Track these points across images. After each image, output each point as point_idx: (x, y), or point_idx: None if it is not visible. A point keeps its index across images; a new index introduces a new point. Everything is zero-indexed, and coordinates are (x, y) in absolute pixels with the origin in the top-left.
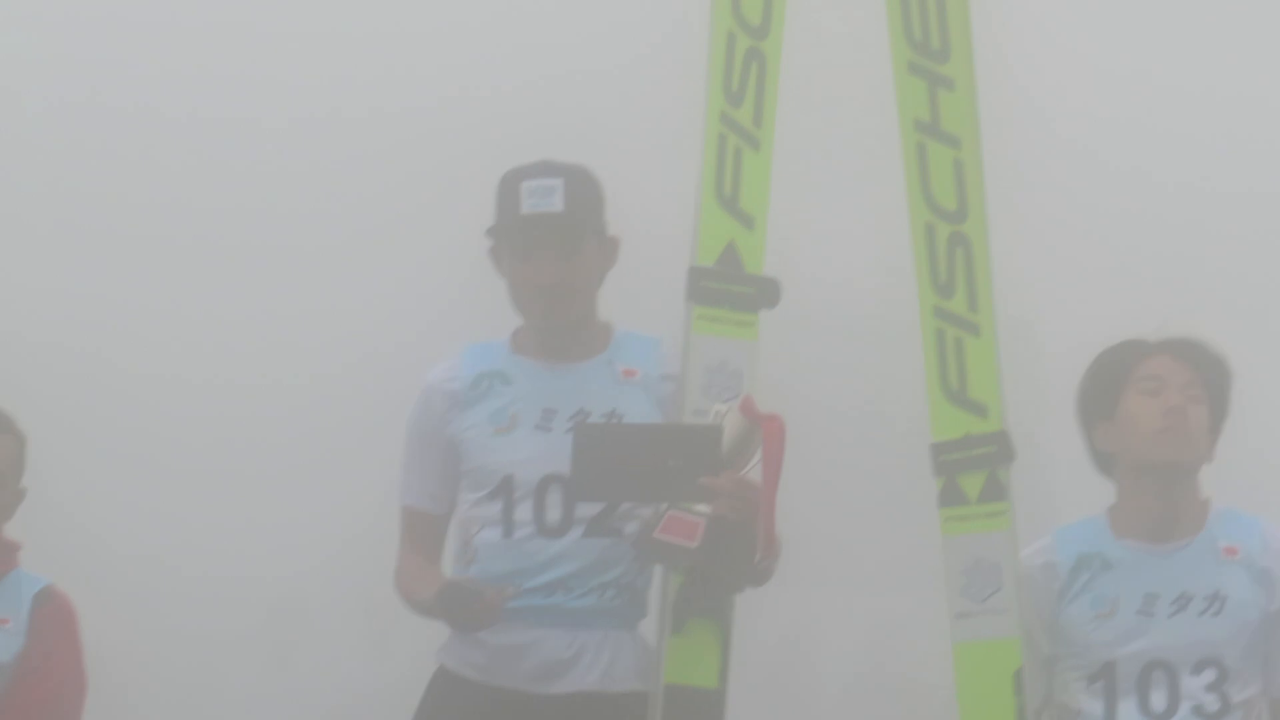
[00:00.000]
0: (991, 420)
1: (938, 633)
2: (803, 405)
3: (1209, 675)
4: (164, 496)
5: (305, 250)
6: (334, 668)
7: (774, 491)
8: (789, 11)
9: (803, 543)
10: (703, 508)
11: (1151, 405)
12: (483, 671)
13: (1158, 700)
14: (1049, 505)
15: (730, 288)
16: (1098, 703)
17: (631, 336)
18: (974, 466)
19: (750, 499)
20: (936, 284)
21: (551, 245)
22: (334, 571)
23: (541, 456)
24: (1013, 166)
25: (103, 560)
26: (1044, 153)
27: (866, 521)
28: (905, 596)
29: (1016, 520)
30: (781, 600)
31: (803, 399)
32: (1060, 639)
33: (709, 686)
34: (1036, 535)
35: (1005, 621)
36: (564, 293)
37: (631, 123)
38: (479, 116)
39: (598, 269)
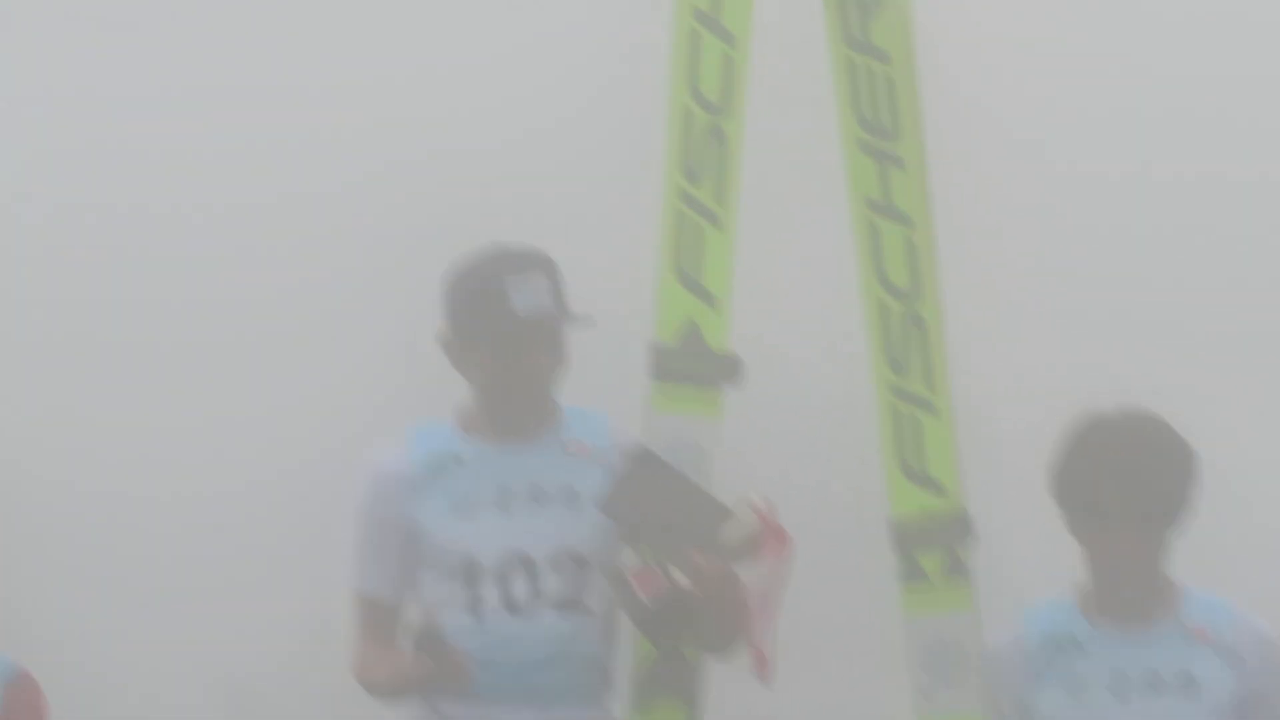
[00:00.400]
0: (950, 498)
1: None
2: (761, 482)
3: None
4: (120, 606)
5: (239, 346)
6: None
7: (766, 606)
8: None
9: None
10: (678, 574)
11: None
12: None
13: None
14: (1009, 584)
15: (692, 365)
16: None
17: (577, 411)
18: (933, 544)
19: (724, 591)
20: (891, 361)
21: (544, 344)
22: (297, 666)
23: (503, 536)
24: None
25: (67, 669)
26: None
27: (827, 601)
28: (870, 676)
29: (978, 598)
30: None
31: (760, 476)
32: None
33: None
34: (997, 613)
35: (968, 699)
36: (545, 385)
37: (584, 194)
38: (424, 188)
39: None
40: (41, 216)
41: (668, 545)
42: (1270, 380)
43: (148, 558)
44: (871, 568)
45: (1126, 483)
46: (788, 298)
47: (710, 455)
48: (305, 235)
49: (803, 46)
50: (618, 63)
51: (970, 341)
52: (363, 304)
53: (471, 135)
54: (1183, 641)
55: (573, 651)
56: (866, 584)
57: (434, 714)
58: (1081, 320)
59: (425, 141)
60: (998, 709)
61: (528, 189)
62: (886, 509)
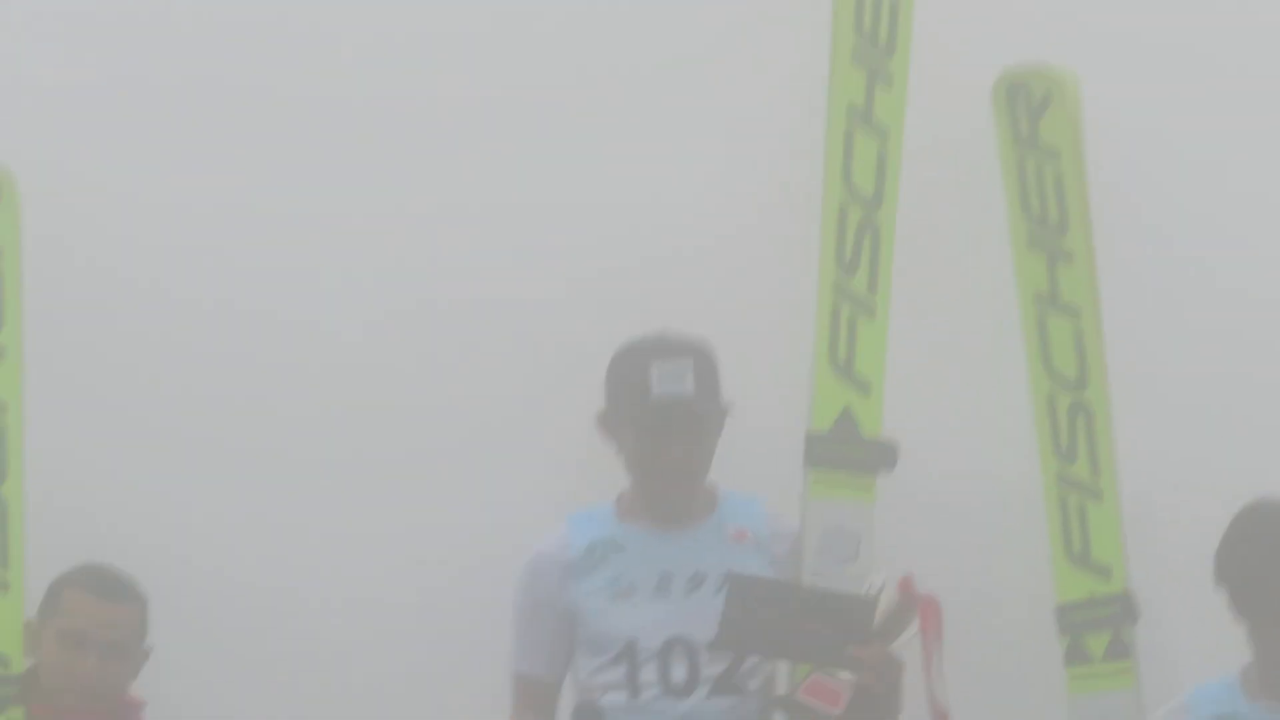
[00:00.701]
0: (1115, 581)
1: None
2: (927, 568)
3: None
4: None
5: (415, 456)
6: None
7: (936, 668)
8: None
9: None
10: (846, 675)
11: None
12: None
13: None
14: (1171, 667)
15: (846, 452)
16: None
17: (734, 497)
18: (1098, 626)
19: (894, 674)
20: (1058, 450)
21: (682, 428)
22: None
23: (663, 621)
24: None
25: None
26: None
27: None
28: None
29: (1140, 679)
30: None
31: (926, 563)
32: None
33: None
34: (1158, 697)
35: None
36: (691, 470)
37: (742, 292)
38: (588, 298)
39: (717, 444)
40: (206, 316)
41: (821, 650)
42: None
43: (315, 662)
44: (1037, 653)
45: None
46: (954, 386)
47: (865, 539)
48: (478, 342)
49: (968, 143)
50: (777, 161)
51: (1135, 430)
52: (537, 414)
53: (639, 242)
54: None
55: None
56: (1033, 669)
57: None
58: (1248, 419)
59: (596, 251)
60: None
61: (693, 288)
62: (1052, 595)
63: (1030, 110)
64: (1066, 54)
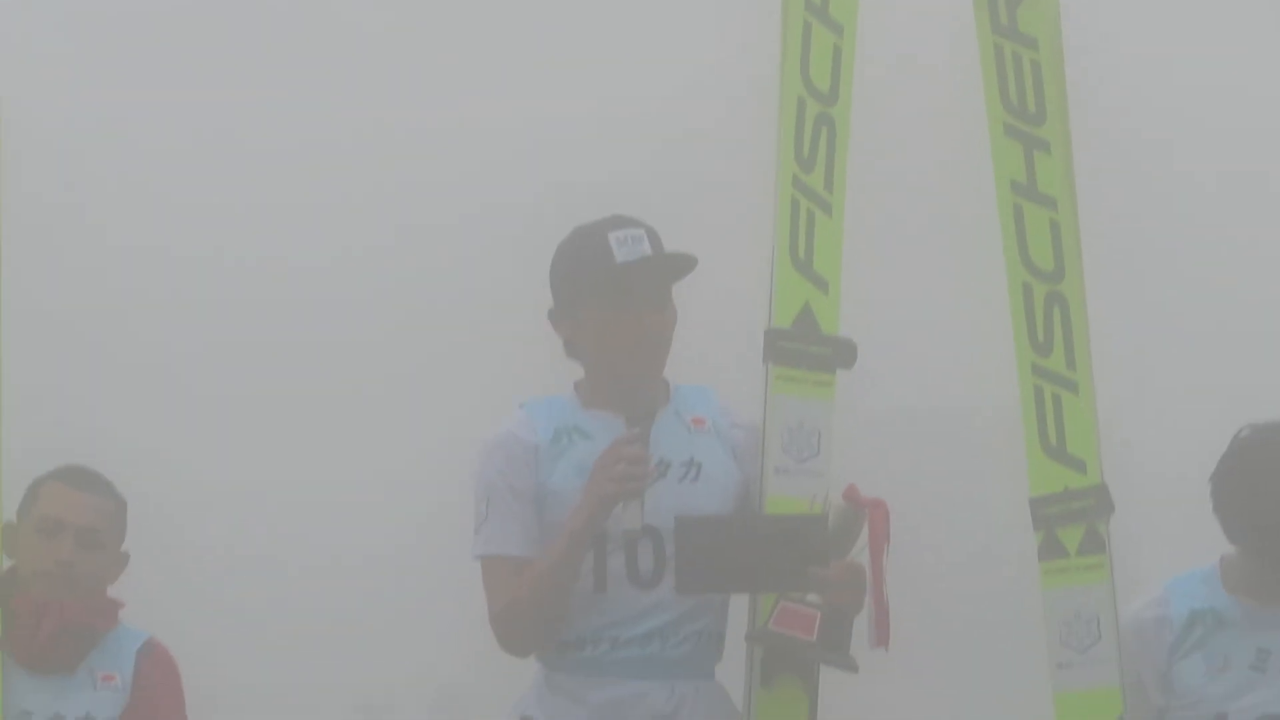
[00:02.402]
0: (1090, 474)
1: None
2: (884, 476)
3: None
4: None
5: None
6: None
7: (883, 576)
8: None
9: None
10: (814, 598)
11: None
12: None
13: None
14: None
15: (807, 348)
16: None
17: (686, 388)
18: (1073, 520)
19: (862, 586)
20: (1034, 342)
21: (648, 293)
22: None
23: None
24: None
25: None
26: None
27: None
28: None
29: (1114, 572)
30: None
31: (884, 466)
32: (1172, 691)
33: None
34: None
35: (1105, 671)
36: (661, 343)
37: (701, 188)
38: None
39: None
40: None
41: (782, 577)
42: None
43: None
44: (1013, 552)
45: None
46: (899, 284)
47: (825, 435)
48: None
49: (953, 34)
50: (729, 60)
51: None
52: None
53: (585, 131)
54: None
55: (696, 622)
56: (1005, 565)
57: (559, 692)
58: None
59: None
60: (1137, 681)
61: (644, 184)
62: (1015, 491)
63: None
64: None
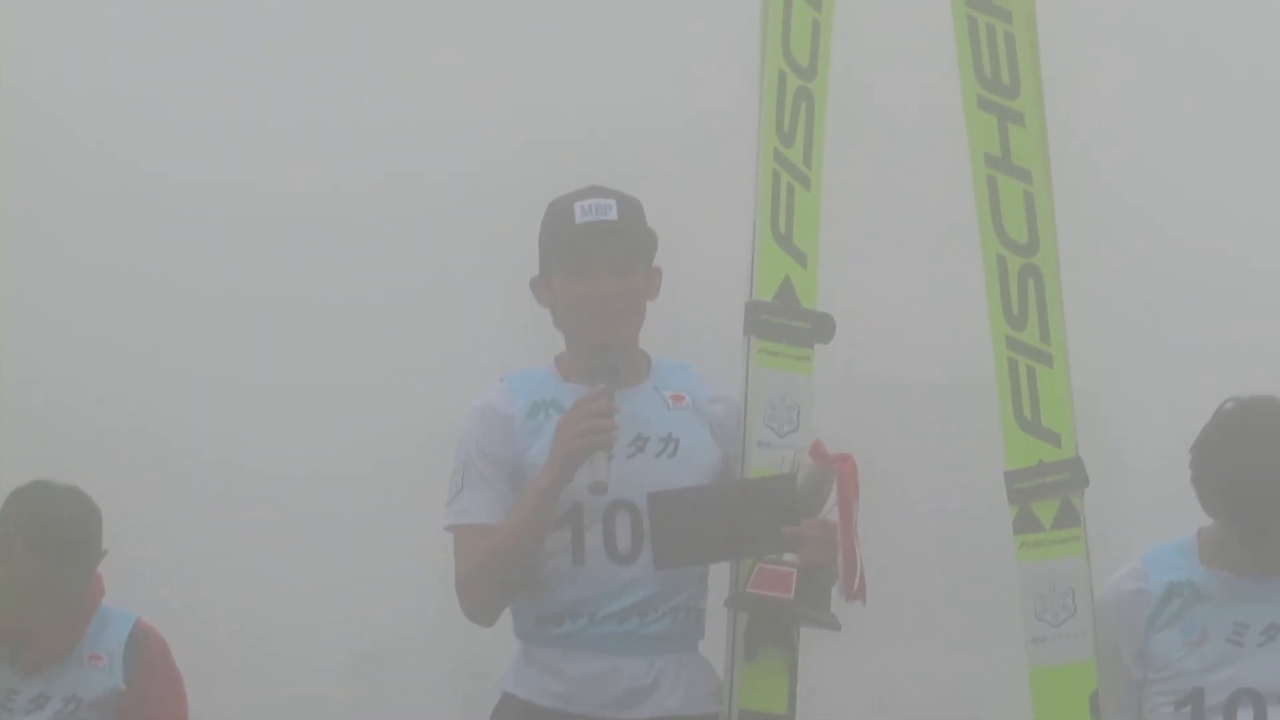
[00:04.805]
0: (1065, 448)
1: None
2: (863, 443)
3: None
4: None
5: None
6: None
7: (854, 530)
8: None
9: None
10: (790, 557)
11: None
12: (562, 700)
13: None
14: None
15: (788, 322)
16: None
17: (666, 363)
18: (1048, 494)
19: (834, 542)
20: (1009, 315)
21: (608, 259)
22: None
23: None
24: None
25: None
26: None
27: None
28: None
29: (1089, 545)
30: (861, 656)
31: (863, 437)
32: (1150, 664)
33: (779, 713)
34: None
35: (1081, 645)
36: (620, 309)
37: (684, 163)
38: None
39: (646, 295)
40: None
41: (757, 540)
42: None
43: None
44: (979, 524)
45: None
46: (876, 257)
47: (805, 409)
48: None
49: (930, 7)
50: (712, 34)
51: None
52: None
53: (572, 100)
54: None
55: (675, 598)
56: (981, 539)
57: (537, 666)
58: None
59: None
60: (1114, 653)
61: (627, 157)
62: (993, 466)
63: None
64: None
